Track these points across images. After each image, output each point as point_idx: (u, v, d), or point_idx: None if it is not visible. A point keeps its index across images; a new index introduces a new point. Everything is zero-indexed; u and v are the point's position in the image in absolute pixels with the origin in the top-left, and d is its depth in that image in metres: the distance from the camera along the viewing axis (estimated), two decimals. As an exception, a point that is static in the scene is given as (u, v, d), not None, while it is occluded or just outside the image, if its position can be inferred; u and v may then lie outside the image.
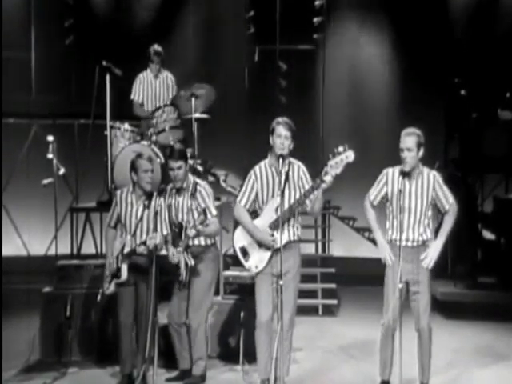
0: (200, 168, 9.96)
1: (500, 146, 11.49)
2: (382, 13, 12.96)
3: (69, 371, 8.04)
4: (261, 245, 7.12)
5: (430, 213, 7.16)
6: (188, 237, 7.38)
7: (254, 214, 7.21)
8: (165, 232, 7.52)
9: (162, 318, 7.76)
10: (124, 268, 7.43)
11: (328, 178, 6.79)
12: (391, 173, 7.19)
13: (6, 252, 12.78)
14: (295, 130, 7.07)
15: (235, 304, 8.50)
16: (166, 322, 7.76)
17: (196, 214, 7.45)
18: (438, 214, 7.37)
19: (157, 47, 10.41)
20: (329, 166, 6.79)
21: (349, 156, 6.79)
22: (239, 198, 7.25)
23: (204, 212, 7.29)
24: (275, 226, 7.01)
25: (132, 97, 10.49)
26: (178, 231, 7.47)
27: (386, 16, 12.93)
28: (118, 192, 7.74)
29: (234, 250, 7.38)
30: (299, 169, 7.15)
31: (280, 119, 7.11)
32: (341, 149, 6.81)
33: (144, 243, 7.37)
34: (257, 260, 7.13)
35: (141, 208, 7.53)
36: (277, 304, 6.92)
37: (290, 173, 7.10)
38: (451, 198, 7.16)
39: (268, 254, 7.09)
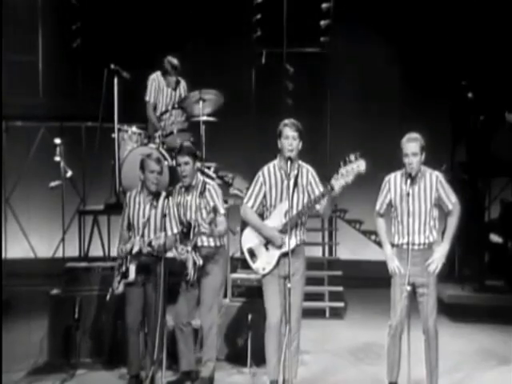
0: (206, 170, 9.95)
1: (507, 148, 11.48)
2: (389, 15, 12.95)
3: (77, 373, 8.06)
4: (268, 247, 7.13)
5: (435, 214, 7.16)
6: (198, 234, 7.38)
7: (261, 217, 7.20)
8: (175, 230, 7.53)
9: (170, 320, 7.76)
10: (132, 268, 7.45)
11: (338, 186, 6.78)
12: (393, 178, 7.21)
13: (13, 254, 12.88)
14: (302, 131, 7.06)
15: (243, 306, 8.50)
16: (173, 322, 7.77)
17: (205, 213, 7.42)
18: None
19: (173, 60, 9.89)
20: (340, 174, 6.78)
21: (360, 165, 6.76)
22: (246, 199, 7.22)
23: (214, 210, 7.26)
24: (284, 231, 7.00)
25: (147, 98, 10.02)
26: (186, 230, 7.45)
27: (393, 19, 12.92)
28: (128, 193, 7.82)
29: (242, 252, 7.38)
30: (308, 172, 7.13)
31: (286, 121, 7.10)
32: (352, 157, 6.79)
33: (150, 244, 7.40)
34: (264, 262, 7.12)
35: (148, 207, 7.57)
36: (285, 306, 6.93)
37: (299, 177, 7.09)
38: (454, 198, 7.16)
39: (276, 256, 7.08)
